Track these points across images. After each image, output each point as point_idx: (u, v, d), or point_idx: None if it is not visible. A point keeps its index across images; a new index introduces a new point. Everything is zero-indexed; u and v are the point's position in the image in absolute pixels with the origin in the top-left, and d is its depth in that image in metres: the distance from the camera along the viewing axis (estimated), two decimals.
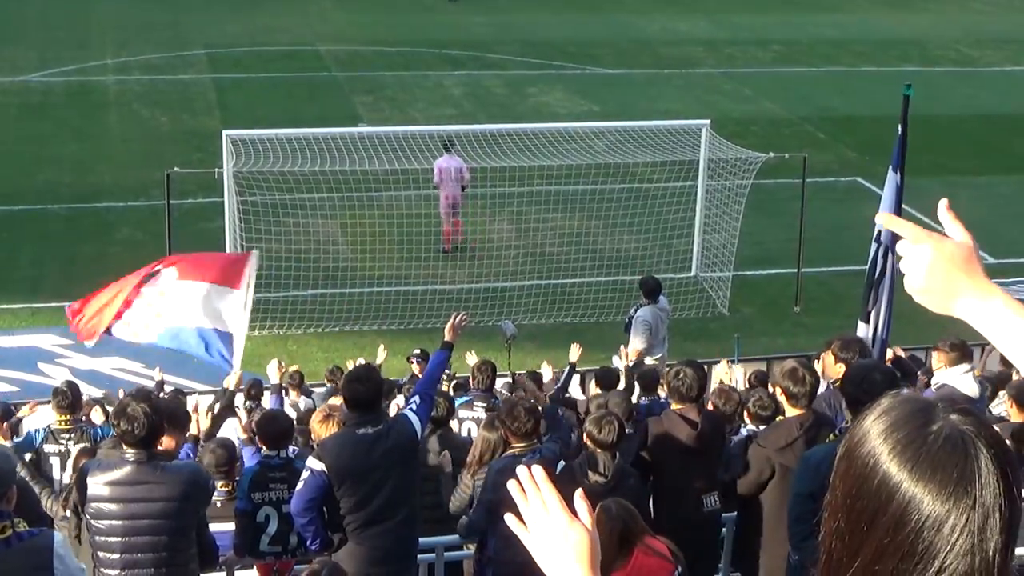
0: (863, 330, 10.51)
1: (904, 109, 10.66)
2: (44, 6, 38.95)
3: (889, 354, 10.86)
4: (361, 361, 12.97)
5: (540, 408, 8.87)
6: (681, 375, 8.35)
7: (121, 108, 29.60)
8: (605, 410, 8.92)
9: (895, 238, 10.14)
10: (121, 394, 12.06)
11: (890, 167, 10.66)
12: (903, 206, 10.78)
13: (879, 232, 10.60)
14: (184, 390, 14.66)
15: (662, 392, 11.02)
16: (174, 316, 11.55)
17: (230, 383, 10.99)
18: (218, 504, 8.13)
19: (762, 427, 8.80)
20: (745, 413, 10.64)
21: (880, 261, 10.46)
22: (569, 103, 31.12)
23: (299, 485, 7.57)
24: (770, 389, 10.30)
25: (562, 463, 8.62)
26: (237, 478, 8.56)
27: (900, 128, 10.57)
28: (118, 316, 11.35)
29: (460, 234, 21.55)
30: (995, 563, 1.93)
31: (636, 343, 15.27)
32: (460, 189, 21.15)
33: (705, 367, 10.19)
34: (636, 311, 15.52)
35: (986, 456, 1.96)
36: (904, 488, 1.96)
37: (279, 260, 19.67)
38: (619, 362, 15.25)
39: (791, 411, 8.13)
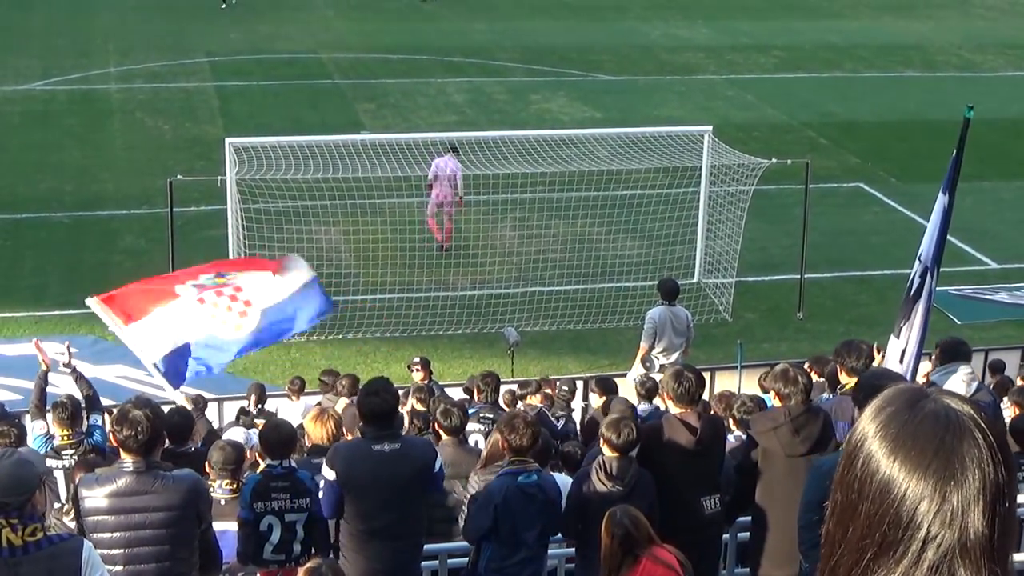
0: (893, 344, 10.48)
1: (963, 131, 10.34)
2: (47, 15, 39.04)
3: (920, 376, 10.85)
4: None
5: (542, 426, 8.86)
6: (683, 379, 8.33)
7: (124, 116, 29.63)
8: (620, 414, 8.91)
9: (937, 260, 10.14)
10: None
11: (940, 189, 10.50)
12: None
13: (921, 251, 10.53)
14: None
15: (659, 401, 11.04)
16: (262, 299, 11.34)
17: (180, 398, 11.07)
18: (223, 502, 8.14)
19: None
20: (730, 420, 10.66)
21: (918, 280, 10.43)
22: (571, 109, 31.13)
23: (321, 495, 7.75)
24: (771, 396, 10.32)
25: (567, 479, 8.63)
26: (244, 476, 8.59)
27: (956, 151, 10.33)
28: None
29: (449, 239, 21.49)
30: (982, 535, 1.95)
31: (641, 342, 15.45)
32: (451, 191, 21.11)
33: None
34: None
35: (972, 431, 1.99)
36: (887, 460, 2.00)
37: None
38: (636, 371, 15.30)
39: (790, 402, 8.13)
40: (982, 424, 2.00)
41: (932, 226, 10.46)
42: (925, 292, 10.35)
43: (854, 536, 2.03)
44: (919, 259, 10.48)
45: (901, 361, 10.31)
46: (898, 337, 10.47)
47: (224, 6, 37.40)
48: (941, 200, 10.36)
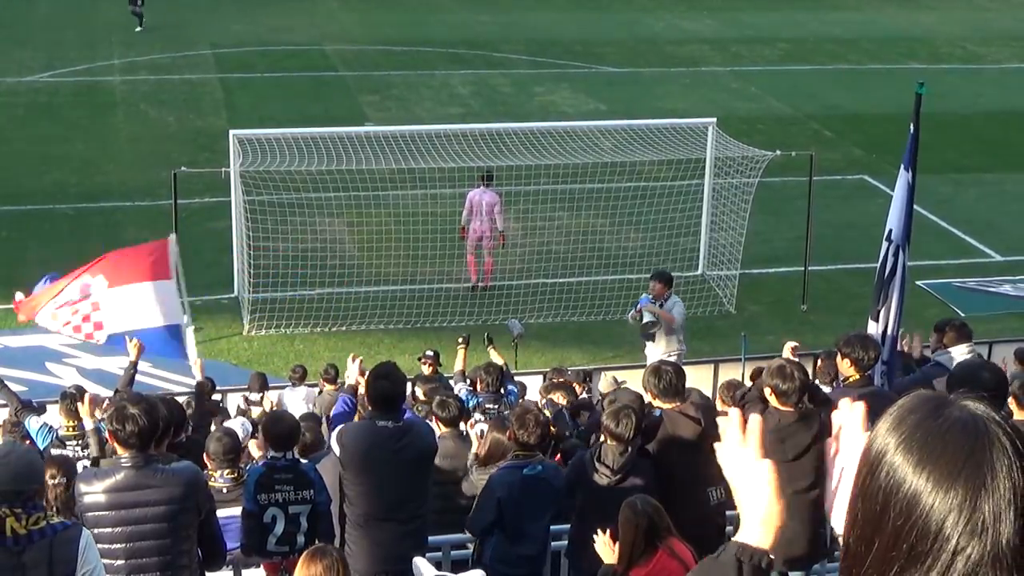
0: (873, 328, 10.55)
1: (916, 108, 10.62)
2: (51, 7, 39.00)
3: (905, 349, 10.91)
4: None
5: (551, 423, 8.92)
6: (662, 373, 8.33)
7: (128, 108, 29.64)
8: (623, 404, 8.92)
9: (906, 237, 10.23)
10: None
11: (901, 166, 10.66)
12: (915, 206, 10.80)
13: (890, 231, 10.61)
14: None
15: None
16: (116, 323, 11.76)
17: (196, 373, 11.25)
18: (224, 491, 8.20)
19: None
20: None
21: (891, 260, 10.48)
22: (576, 102, 31.10)
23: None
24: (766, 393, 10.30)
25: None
26: (242, 464, 8.63)
27: (912, 127, 10.54)
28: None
29: (489, 276, 20.36)
30: (1014, 545, 1.90)
31: (676, 316, 15.05)
32: (490, 224, 19.86)
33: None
34: (665, 303, 15.07)
35: (999, 438, 1.94)
36: (913, 471, 1.95)
37: (286, 259, 19.70)
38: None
39: (783, 409, 8.09)
40: (1008, 430, 1.95)
41: (898, 204, 10.54)
42: (899, 271, 10.41)
43: (880, 549, 1.98)
44: (887, 239, 10.53)
45: (883, 343, 10.38)
46: (876, 321, 10.52)
47: (139, 29, 36.67)
48: (904, 177, 10.47)
